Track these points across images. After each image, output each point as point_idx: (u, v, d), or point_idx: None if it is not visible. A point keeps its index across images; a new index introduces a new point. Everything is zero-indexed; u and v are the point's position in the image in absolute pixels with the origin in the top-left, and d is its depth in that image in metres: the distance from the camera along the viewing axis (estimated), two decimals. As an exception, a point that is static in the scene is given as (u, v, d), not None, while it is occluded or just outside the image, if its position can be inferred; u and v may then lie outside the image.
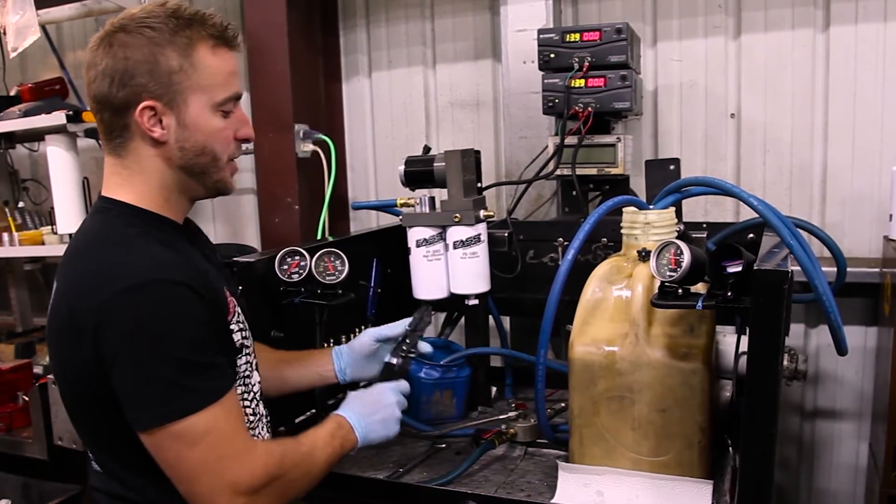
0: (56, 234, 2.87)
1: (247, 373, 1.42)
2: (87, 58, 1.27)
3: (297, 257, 1.81)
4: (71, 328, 1.21)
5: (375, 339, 1.72)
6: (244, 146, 1.45)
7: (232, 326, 1.36)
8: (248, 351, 1.42)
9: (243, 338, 1.40)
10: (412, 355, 1.71)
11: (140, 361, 1.16)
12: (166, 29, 1.23)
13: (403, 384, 1.62)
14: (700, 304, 1.37)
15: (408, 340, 1.71)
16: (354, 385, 1.78)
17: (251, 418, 1.43)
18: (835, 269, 1.97)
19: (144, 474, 1.25)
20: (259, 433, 1.46)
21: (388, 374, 1.67)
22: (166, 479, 1.22)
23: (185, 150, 1.29)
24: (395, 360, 1.69)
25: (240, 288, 1.54)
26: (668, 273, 1.41)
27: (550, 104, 2.24)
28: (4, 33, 2.80)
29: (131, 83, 1.23)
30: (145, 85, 1.23)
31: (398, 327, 1.73)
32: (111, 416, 1.21)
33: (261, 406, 1.48)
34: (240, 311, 1.40)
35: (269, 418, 1.53)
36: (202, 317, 1.22)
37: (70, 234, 2.78)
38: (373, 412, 1.50)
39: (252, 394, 1.44)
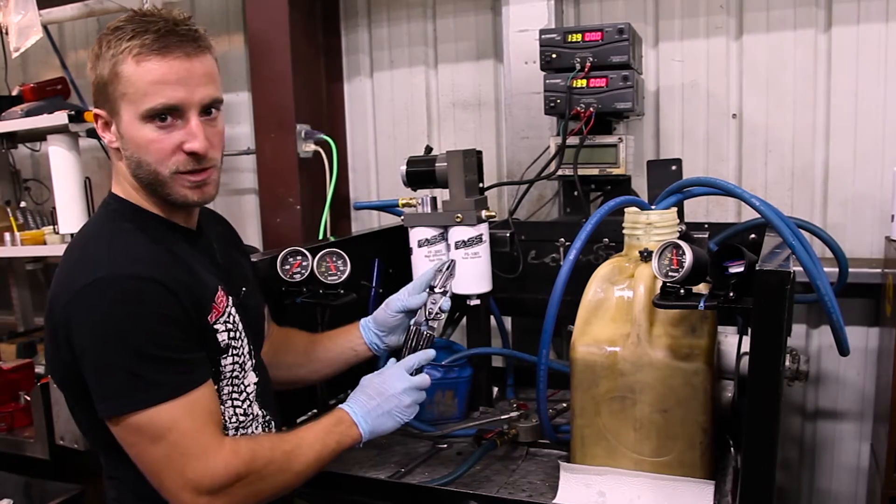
0: (58, 233, 2.87)
1: (235, 373, 1.41)
2: None
3: (298, 257, 1.81)
4: (51, 323, 1.25)
5: (398, 311, 1.68)
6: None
7: (217, 326, 1.35)
8: (235, 352, 1.40)
9: (231, 338, 1.39)
10: (437, 321, 1.62)
11: (104, 352, 1.18)
12: (104, 42, 1.27)
13: (423, 357, 1.53)
14: (702, 304, 1.37)
15: (430, 304, 1.62)
16: (372, 365, 1.70)
17: (242, 419, 1.43)
18: (836, 269, 1.97)
19: (134, 466, 1.27)
20: (252, 433, 1.45)
21: (413, 344, 1.60)
22: (123, 480, 1.28)
23: (129, 159, 1.32)
24: (423, 330, 1.61)
25: (243, 290, 1.52)
26: (669, 273, 1.41)
27: (552, 104, 2.24)
28: (6, 33, 2.80)
29: (94, 93, 1.31)
30: (96, 95, 1.31)
31: (419, 295, 1.67)
32: (76, 399, 1.27)
33: (255, 406, 1.47)
34: (233, 313, 1.40)
35: (268, 418, 1.51)
36: (173, 313, 1.23)
37: (71, 234, 2.78)
38: (378, 404, 1.45)
39: (245, 394, 1.44)
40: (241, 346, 1.43)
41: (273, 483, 1.30)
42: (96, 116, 1.33)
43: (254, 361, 1.49)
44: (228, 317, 1.39)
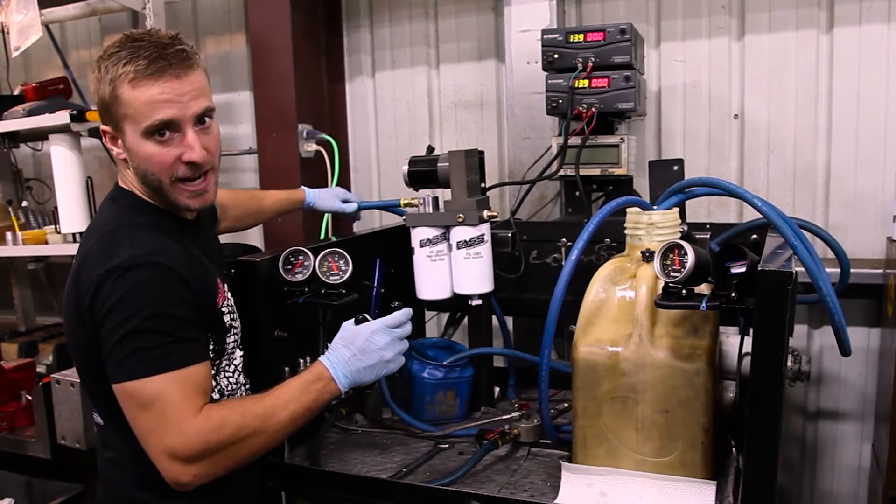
0: (59, 233, 2.87)
1: (232, 349, 1.56)
2: None
3: (300, 257, 1.81)
4: (76, 298, 1.38)
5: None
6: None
7: (223, 309, 1.51)
8: (235, 331, 1.57)
9: (232, 319, 1.55)
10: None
11: (117, 325, 1.31)
12: (102, 66, 1.39)
13: (404, 315, 1.56)
14: (704, 304, 1.37)
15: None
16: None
17: (234, 386, 1.57)
18: (838, 270, 1.97)
19: (130, 433, 1.37)
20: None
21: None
22: None
23: (136, 169, 1.45)
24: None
25: (233, 271, 1.71)
26: (672, 274, 1.41)
27: (554, 105, 2.24)
28: (7, 32, 2.80)
29: (99, 111, 1.43)
30: (101, 113, 1.43)
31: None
32: (105, 378, 1.35)
33: (241, 377, 1.61)
34: (229, 295, 1.56)
35: (247, 386, 1.64)
36: (183, 298, 1.36)
37: (73, 234, 2.79)
38: (359, 359, 1.49)
39: (233, 366, 1.58)
40: (238, 324, 1.59)
41: (248, 446, 1.37)
42: (104, 132, 1.44)
43: (240, 336, 1.62)
44: (228, 300, 1.55)
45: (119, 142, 1.43)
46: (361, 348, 1.50)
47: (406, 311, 1.58)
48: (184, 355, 1.34)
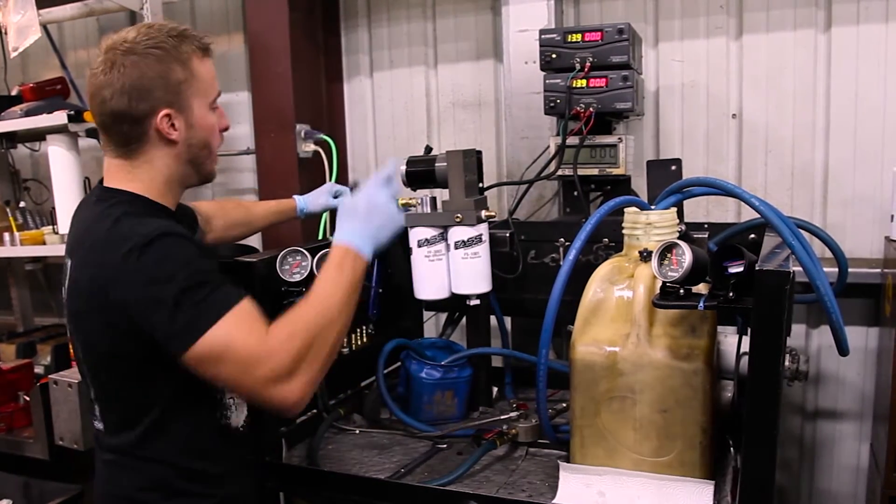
0: (57, 233, 2.86)
1: None
2: (96, 81, 1.42)
3: (298, 257, 1.81)
4: (90, 291, 1.37)
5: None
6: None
7: None
8: None
9: None
10: None
11: (157, 302, 1.29)
12: (169, 47, 1.42)
13: (392, 167, 1.61)
14: (702, 304, 1.37)
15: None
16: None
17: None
18: (836, 269, 1.97)
19: (138, 430, 1.41)
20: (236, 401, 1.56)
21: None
22: (160, 438, 1.41)
23: (191, 146, 1.48)
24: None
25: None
26: (669, 273, 1.41)
27: (552, 104, 2.24)
28: (5, 33, 2.80)
29: (149, 97, 1.41)
30: (161, 97, 1.42)
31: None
32: (124, 373, 1.39)
33: None
34: None
35: None
36: (202, 254, 1.38)
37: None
38: (370, 221, 1.52)
39: None
40: None
41: (325, 339, 1.36)
42: (165, 116, 1.42)
43: None
44: None
45: (178, 123, 1.44)
46: (367, 210, 1.53)
47: (393, 160, 1.62)
48: (228, 295, 1.33)
